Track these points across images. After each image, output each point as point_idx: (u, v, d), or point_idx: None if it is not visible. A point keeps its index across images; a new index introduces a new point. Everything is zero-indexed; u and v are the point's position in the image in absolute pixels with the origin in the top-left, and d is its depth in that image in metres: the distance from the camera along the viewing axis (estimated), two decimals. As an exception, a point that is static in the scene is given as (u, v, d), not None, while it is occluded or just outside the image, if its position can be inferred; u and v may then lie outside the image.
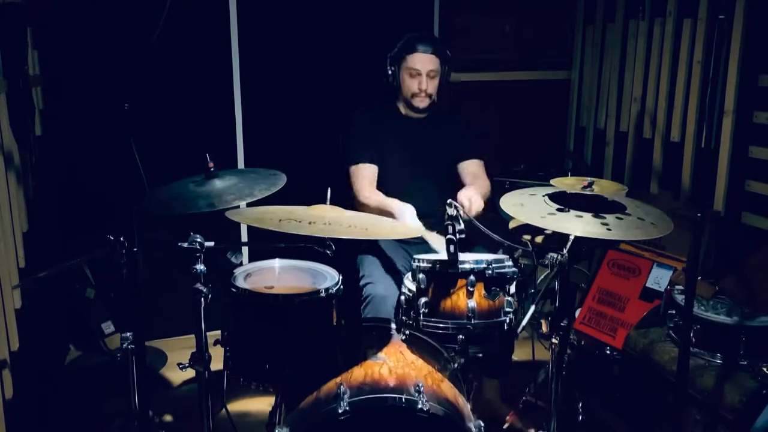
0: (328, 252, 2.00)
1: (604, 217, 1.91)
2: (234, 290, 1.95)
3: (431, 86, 2.78)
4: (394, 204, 2.64)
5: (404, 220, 2.53)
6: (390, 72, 2.82)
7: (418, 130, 2.88)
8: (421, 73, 2.74)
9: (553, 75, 4.01)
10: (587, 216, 1.91)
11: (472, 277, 2.03)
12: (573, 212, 1.93)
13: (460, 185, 2.80)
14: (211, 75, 3.27)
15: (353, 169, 2.81)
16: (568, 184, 2.23)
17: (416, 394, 1.72)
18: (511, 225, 2.26)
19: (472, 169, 2.91)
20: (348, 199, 2.79)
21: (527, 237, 2.22)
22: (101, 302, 3.17)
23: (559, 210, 1.95)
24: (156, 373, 3.05)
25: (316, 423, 1.73)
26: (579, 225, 1.88)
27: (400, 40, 2.81)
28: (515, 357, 2.78)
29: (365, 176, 2.79)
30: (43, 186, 2.80)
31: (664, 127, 3.36)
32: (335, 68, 3.47)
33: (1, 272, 2.07)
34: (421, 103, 2.79)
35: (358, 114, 2.89)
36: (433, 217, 2.64)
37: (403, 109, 2.90)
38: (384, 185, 2.83)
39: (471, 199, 2.53)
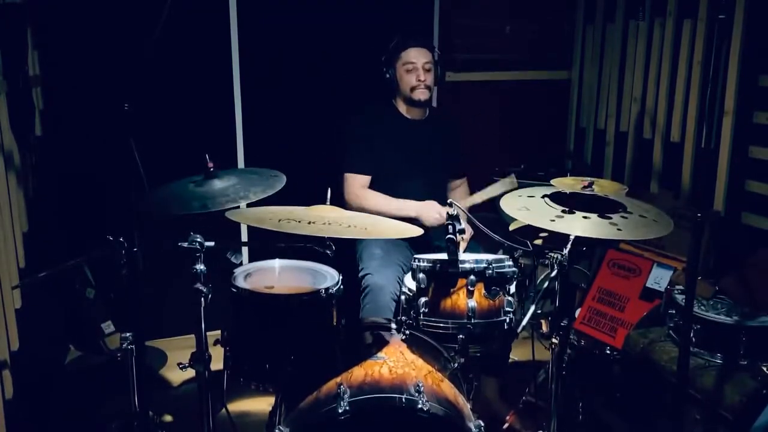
0: (328, 252, 2.00)
1: (611, 217, 1.91)
2: (234, 290, 1.95)
3: (428, 78, 2.84)
4: (411, 205, 2.75)
5: (430, 217, 2.66)
6: (387, 75, 2.86)
7: (416, 131, 2.90)
8: (417, 66, 2.80)
9: (553, 75, 4.01)
10: (594, 217, 1.91)
11: (472, 277, 2.03)
12: (580, 213, 1.92)
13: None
14: (211, 75, 3.26)
15: (348, 176, 2.86)
16: (568, 184, 2.23)
17: (416, 394, 1.72)
18: (512, 226, 2.26)
19: (462, 188, 3.13)
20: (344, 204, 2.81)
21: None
22: (101, 302, 3.16)
23: (564, 212, 1.94)
24: (156, 373, 3.05)
25: (316, 423, 1.73)
26: (588, 226, 1.87)
27: (391, 42, 2.88)
28: (515, 357, 2.78)
29: (359, 184, 2.85)
30: (43, 186, 2.80)
31: (664, 127, 3.36)
32: (335, 68, 3.47)
33: (1, 272, 2.07)
34: (422, 95, 2.83)
35: (352, 119, 2.92)
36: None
37: (402, 108, 2.91)
38: (377, 184, 2.85)
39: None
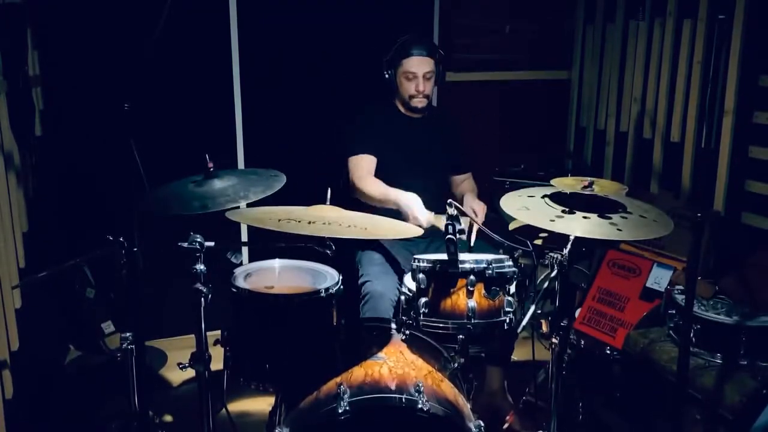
0: (328, 252, 2.00)
1: (611, 218, 1.91)
2: (234, 290, 1.95)
3: (428, 87, 2.82)
4: (399, 195, 2.64)
5: (412, 212, 2.55)
6: (387, 76, 2.85)
7: (416, 129, 2.90)
8: (418, 75, 2.78)
9: (553, 75, 4.01)
10: (594, 217, 1.91)
11: (472, 277, 2.03)
12: (580, 213, 1.92)
13: (451, 193, 2.98)
14: (211, 75, 3.26)
15: (353, 159, 2.82)
16: (568, 184, 2.23)
17: (416, 394, 1.72)
18: (512, 226, 2.26)
19: (467, 183, 3.08)
20: (345, 192, 2.80)
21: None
22: (101, 302, 3.16)
23: (564, 212, 1.94)
24: (156, 373, 3.05)
25: (316, 423, 1.73)
26: (588, 226, 1.87)
27: (395, 44, 2.84)
28: (515, 357, 2.78)
29: (365, 166, 2.81)
30: (43, 186, 2.80)
31: (664, 127, 3.36)
32: (335, 68, 3.47)
33: (1, 272, 2.07)
34: (420, 103, 2.84)
35: (359, 109, 2.92)
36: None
37: (401, 109, 2.91)
38: None
39: (476, 209, 2.69)
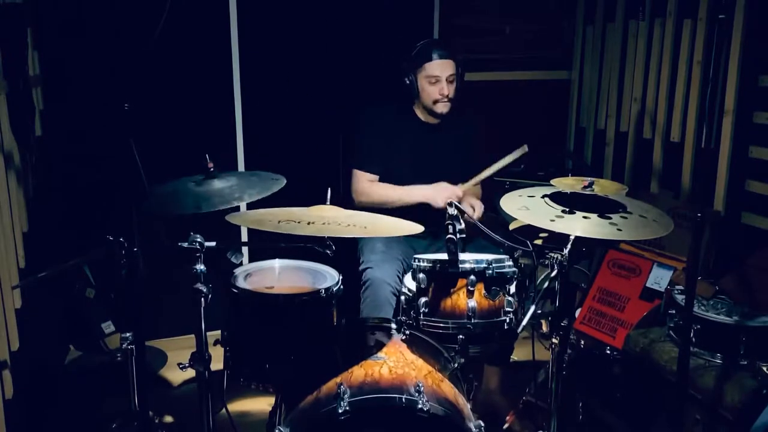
0: (328, 252, 2.00)
1: (611, 217, 1.91)
2: (234, 290, 1.95)
3: (451, 90, 2.77)
4: (417, 189, 2.74)
5: (439, 198, 2.66)
6: (407, 81, 2.78)
7: (432, 135, 2.85)
8: (441, 79, 2.73)
9: (553, 75, 4.01)
10: (594, 217, 1.91)
11: (472, 277, 2.03)
12: (580, 213, 1.92)
13: None
14: (211, 75, 3.26)
15: (357, 172, 2.83)
16: (568, 184, 2.23)
17: (416, 394, 1.72)
18: (512, 226, 2.26)
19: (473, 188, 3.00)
20: (347, 192, 2.83)
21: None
22: (101, 302, 3.16)
23: (564, 212, 1.94)
24: (156, 373, 3.05)
25: (316, 423, 1.73)
26: (588, 226, 1.87)
27: (414, 48, 2.79)
28: (515, 357, 2.77)
29: (366, 180, 2.82)
30: (43, 186, 2.80)
31: (664, 127, 3.36)
32: (335, 68, 3.47)
33: (1, 272, 2.07)
34: (444, 108, 2.77)
35: (368, 113, 2.87)
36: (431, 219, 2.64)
37: (421, 115, 2.87)
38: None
39: (474, 205, 2.70)
